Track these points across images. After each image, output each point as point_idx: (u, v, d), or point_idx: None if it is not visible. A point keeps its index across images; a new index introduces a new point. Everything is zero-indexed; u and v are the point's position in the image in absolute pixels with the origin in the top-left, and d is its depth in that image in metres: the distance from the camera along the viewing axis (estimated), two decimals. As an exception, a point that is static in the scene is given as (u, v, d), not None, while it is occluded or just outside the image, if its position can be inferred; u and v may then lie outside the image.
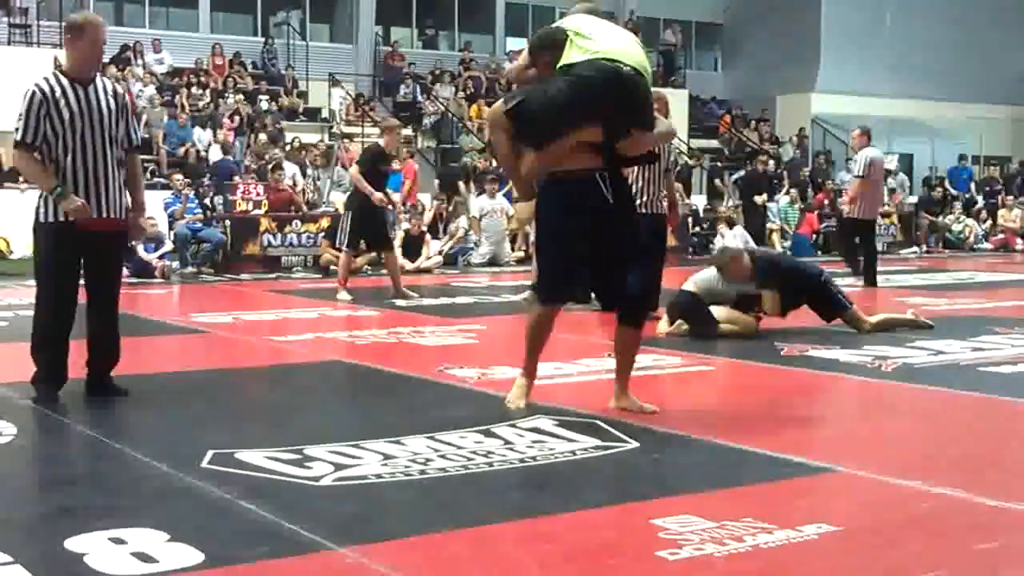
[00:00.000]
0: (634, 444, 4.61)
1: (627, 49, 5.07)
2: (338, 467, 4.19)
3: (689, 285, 8.33)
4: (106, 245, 5.63)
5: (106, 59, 14.31)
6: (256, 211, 15.20)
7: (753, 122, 26.67)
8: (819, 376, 6.55)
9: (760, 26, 28.83)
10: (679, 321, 8.18)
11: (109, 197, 5.54)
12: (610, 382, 5.40)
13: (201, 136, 18.85)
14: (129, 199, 5.72)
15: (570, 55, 5.03)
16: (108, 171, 5.53)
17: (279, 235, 15.10)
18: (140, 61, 21.18)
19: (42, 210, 5.49)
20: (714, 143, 25.94)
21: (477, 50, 26.25)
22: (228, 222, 14.98)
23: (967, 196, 23.74)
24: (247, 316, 9.74)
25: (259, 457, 4.32)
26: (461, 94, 23.54)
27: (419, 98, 23.68)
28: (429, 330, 8.51)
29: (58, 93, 5.44)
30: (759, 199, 19.38)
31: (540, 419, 5.01)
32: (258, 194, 15.42)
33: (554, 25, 5.44)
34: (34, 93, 5.42)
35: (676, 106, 19.41)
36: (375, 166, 11.07)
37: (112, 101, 5.56)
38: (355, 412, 5.60)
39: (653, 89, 5.42)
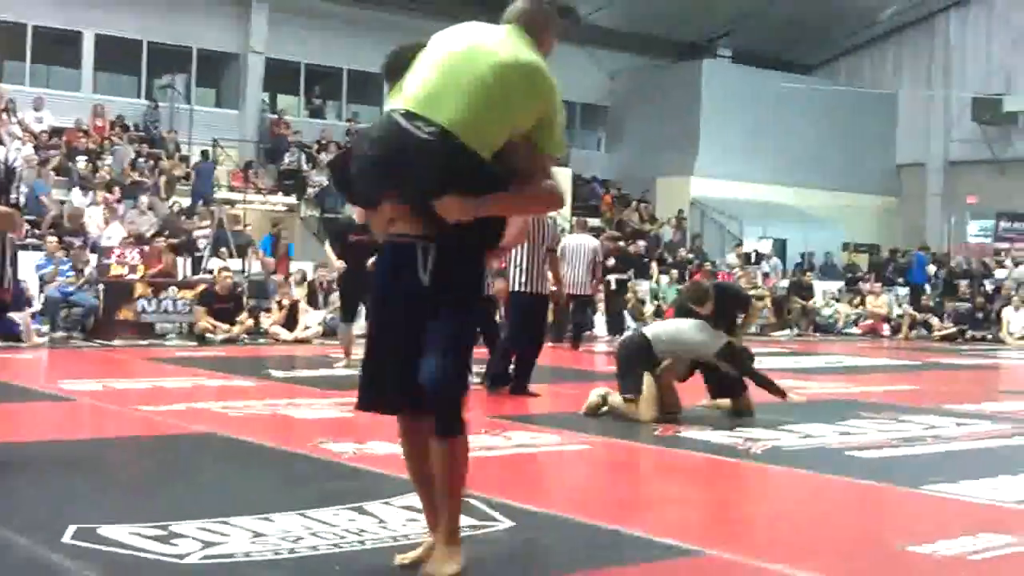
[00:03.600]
0: (508, 523, 4.59)
1: (444, 95, 3.52)
2: (205, 544, 4.09)
3: (655, 328, 8.24)
4: None
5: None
6: (131, 276, 14.91)
7: (634, 202, 27.21)
8: (691, 457, 6.64)
9: (643, 109, 29.62)
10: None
11: None
12: (485, 460, 5.38)
13: (79, 198, 18.39)
14: (9, 271, 5.59)
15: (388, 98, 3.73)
16: None
17: (154, 300, 14.81)
18: (15, 118, 20.70)
19: None
20: (596, 221, 26.36)
21: (364, 120, 26.31)
22: (101, 286, 14.65)
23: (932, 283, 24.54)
24: (117, 384, 9.49)
25: (123, 532, 4.19)
26: (346, 164, 23.50)
27: (304, 166, 23.62)
28: (306, 402, 8.40)
29: None
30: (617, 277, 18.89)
31: (414, 496, 4.96)
32: (133, 259, 15.15)
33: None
34: None
35: (560, 184, 19.63)
36: (343, 237, 11.00)
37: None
38: (225, 486, 5.48)
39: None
